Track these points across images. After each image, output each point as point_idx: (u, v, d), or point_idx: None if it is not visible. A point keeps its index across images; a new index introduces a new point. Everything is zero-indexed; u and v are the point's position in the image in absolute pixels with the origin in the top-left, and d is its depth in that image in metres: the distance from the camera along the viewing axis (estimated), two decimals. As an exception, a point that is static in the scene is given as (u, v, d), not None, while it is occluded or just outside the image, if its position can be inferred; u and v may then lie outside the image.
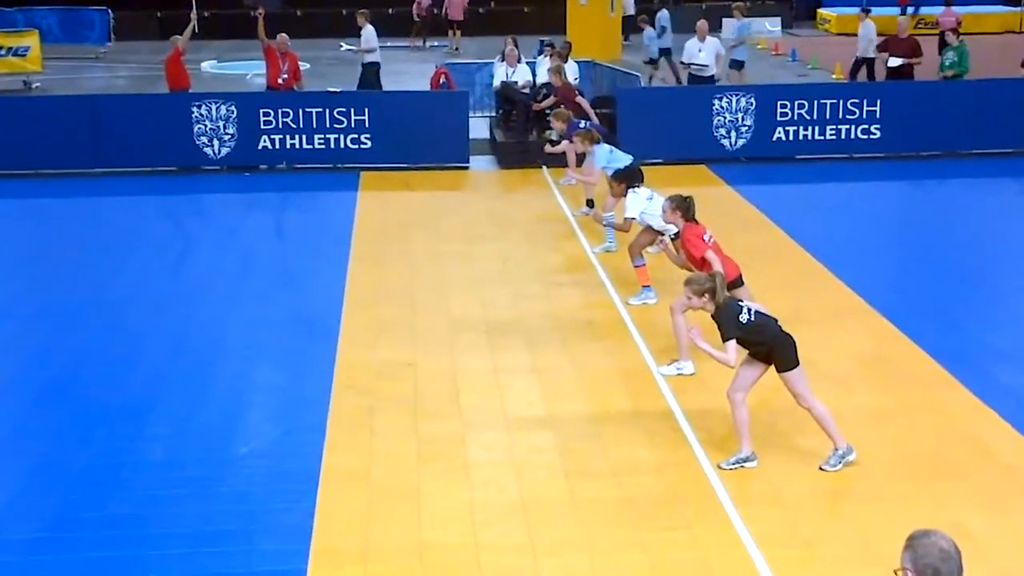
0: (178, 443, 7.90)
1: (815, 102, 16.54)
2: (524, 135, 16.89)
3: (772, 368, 7.33)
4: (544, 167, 15.95)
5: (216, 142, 16.18)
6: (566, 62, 17.03)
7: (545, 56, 18.01)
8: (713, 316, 7.36)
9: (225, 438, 8.00)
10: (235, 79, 23.29)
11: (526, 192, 15.35)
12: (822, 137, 16.59)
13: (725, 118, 16.51)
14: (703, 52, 18.46)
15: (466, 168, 16.46)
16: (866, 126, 16.60)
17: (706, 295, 7.34)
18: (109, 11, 28.75)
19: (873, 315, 10.27)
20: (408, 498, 7.08)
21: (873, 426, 8.06)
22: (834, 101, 16.55)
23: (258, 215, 14.55)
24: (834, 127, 16.58)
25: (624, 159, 12.25)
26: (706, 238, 8.86)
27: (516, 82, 17.42)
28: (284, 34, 17.34)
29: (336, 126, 16.26)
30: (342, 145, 16.30)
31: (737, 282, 8.73)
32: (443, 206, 14.53)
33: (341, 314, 10.36)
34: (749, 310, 7.35)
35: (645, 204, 10.40)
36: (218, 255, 12.61)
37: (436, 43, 29.38)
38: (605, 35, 26.21)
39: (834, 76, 23.66)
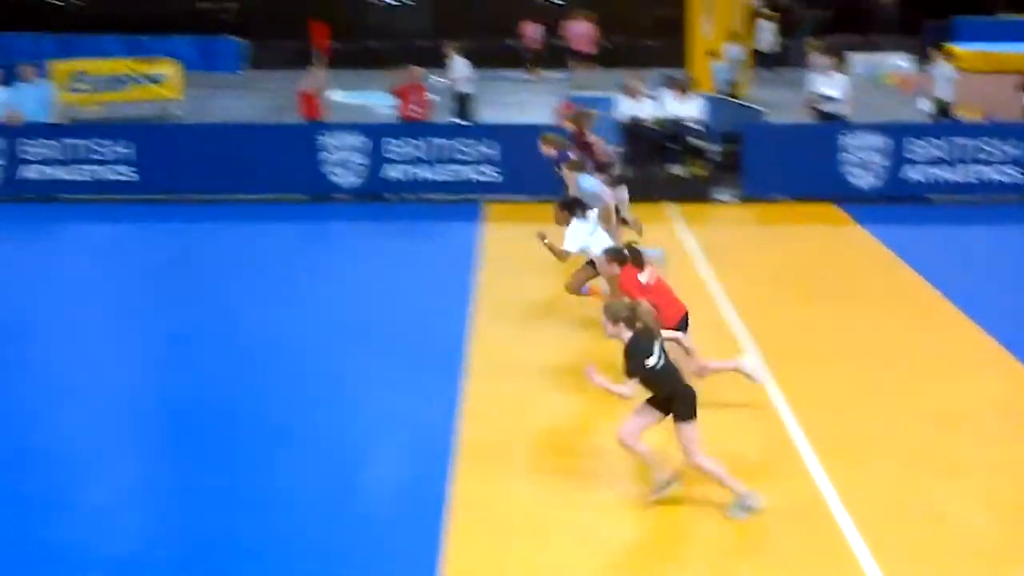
0: (303, 468, 8.01)
1: (950, 141, 16.13)
2: (648, 170, 16.81)
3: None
4: (670, 202, 15.83)
5: (345, 171, 16.52)
6: (685, 94, 17.05)
7: (667, 89, 17.94)
8: (625, 350, 7.19)
9: (352, 464, 8.10)
10: (363, 109, 23.75)
11: (648, 227, 15.22)
12: (958, 178, 16.15)
13: (855, 156, 16.20)
14: (831, 88, 18.13)
15: (589, 201, 16.45)
16: (1005, 167, 16.10)
17: (621, 323, 7.20)
18: (242, 40, 29.71)
19: (1014, 363, 9.90)
20: (538, 533, 7.06)
21: (1016, 480, 7.76)
22: (971, 141, 16.11)
23: (384, 244, 14.76)
24: (971, 168, 16.12)
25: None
26: (643, 279, 8.70)
27: (641, 116, 17.38)
28: (417, 66, 17.73)
29: (462, 157, 16.47)
30: (468, 176, 16.48)
31: (680, 325, 8.54)
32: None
33: (466, 346, 10.43)
34: (661, 356, 7.16)
35: (586, 238, 10.49)
36: (344, 283, 12.80)
37: (558, 75, 29.51)
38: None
39: (968, 115, 22.97)
